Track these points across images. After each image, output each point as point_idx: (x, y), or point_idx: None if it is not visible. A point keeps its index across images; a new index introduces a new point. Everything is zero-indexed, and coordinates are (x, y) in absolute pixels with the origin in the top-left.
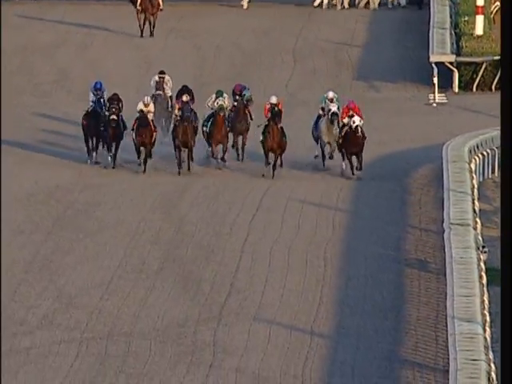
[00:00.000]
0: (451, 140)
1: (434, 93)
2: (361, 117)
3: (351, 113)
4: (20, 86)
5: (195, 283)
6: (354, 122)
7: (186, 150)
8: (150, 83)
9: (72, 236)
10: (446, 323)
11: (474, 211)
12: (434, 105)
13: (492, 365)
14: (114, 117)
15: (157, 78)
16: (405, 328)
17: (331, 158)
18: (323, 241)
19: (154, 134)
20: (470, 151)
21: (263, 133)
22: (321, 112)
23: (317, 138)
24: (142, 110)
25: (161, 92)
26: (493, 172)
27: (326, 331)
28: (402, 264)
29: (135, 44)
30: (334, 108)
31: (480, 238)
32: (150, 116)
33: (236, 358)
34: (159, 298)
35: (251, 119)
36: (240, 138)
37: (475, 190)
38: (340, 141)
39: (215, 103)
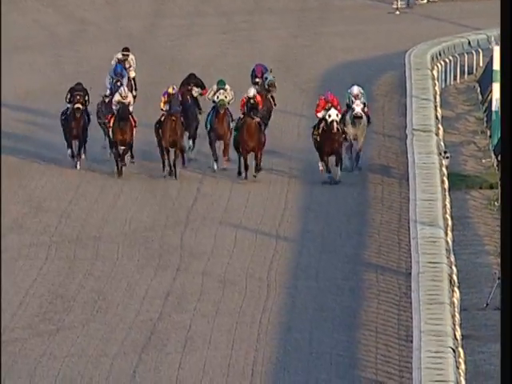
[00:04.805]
0: (414, 47)
1: (397, 1)
2: (339, 110)
3: (329, 105)
4: None
5: (162, 188)
6: (329, 116)
7: (174, 149)
8: (111, 62)
9: (42, 142)
10: (409, 227)
11: (437, 117)
12: (397, 13)
13: (453, 267)
14: (79, 105)
15: (120, 55)
16: (368, 232)
17: (358, 156)
18: (288, 149)
19: (134, 129)
20: (433, 58)
21: (236, 129)
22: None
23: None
24: (121, 102)
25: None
26: (455, 79)
27: (290, 235)
28: (366, 169)
29: None
30: (357, 108)
31: (442, 143)
32: (131, 108)
33: (202, 261)
34: (127, 202)
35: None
36: (220, 143)
37: (437, 97)
38: (317, 138)
39: (215, 97)
